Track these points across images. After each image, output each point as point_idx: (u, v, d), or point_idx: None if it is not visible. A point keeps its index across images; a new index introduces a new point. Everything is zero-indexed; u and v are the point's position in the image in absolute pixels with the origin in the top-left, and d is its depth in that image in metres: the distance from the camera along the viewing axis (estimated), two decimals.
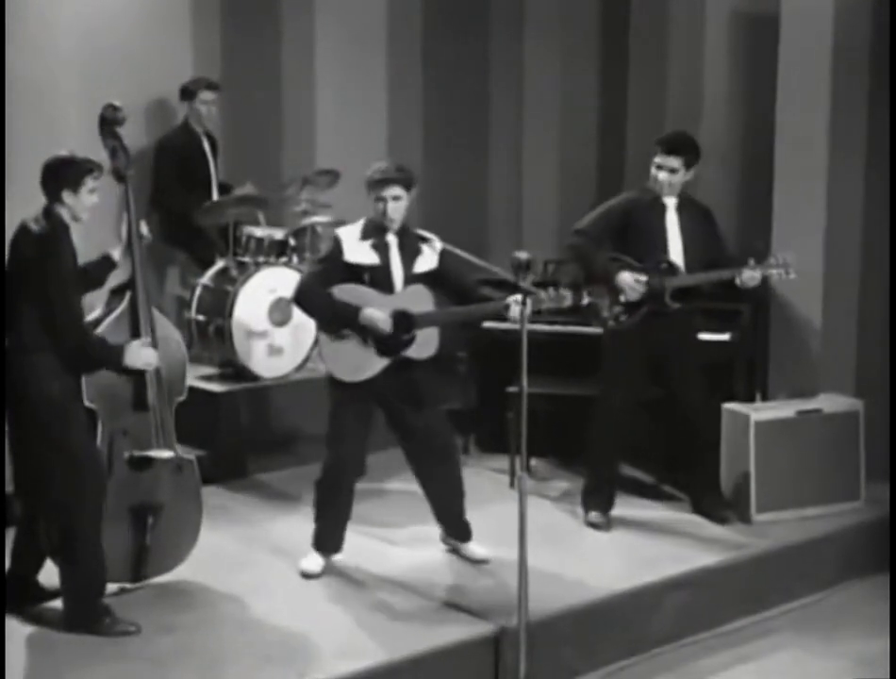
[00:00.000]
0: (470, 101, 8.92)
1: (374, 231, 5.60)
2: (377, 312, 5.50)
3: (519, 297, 5.22)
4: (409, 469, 5.89)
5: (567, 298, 5.55)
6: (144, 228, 5.41)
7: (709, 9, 7.88)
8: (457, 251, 5.58)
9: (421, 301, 5.62)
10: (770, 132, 7.19)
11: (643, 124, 8.26)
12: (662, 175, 6.27)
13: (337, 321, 5.55)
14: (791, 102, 7.05)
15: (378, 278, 5.58)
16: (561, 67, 8.69)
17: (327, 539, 5.79)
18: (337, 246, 5.60)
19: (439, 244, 5.67)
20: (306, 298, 5.61)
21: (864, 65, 6.96)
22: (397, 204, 5.56)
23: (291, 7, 8.29)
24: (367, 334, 5.53)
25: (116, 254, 5.33)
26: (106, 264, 5.33)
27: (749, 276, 6.26)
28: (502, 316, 5.54)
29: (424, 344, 5.64)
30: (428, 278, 5.68)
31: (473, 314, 5.71)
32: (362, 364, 5.58)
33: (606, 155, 8.71)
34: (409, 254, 5.64)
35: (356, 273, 5.57)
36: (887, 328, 6.81)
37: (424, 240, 5.67)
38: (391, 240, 5.61)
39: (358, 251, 5.58)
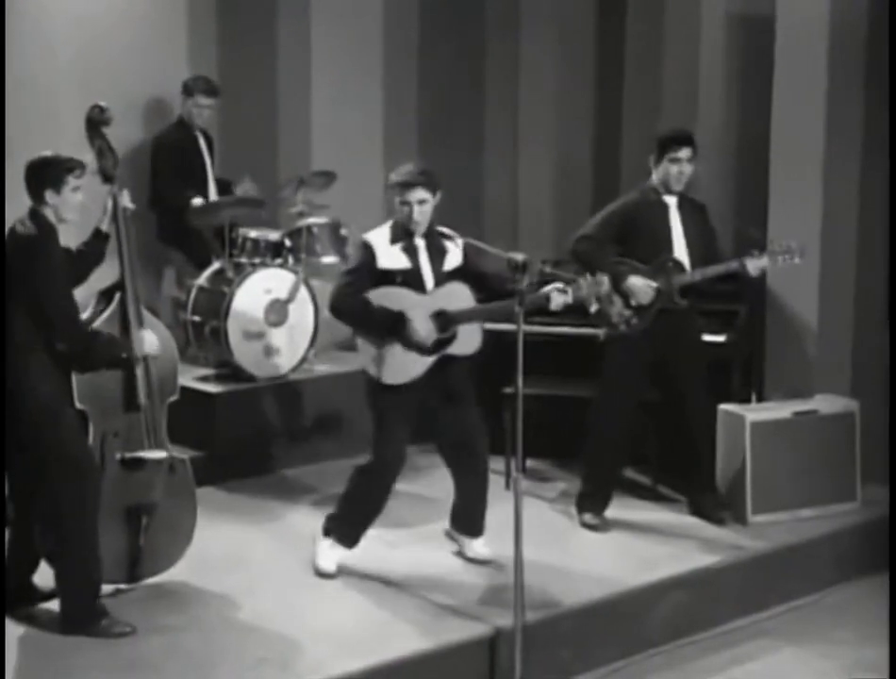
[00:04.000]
0: (465, 101, 8.92)
1: (402, 234, 5.61)
2: (421, 331, 5.52)
3: (560, 285, 5.31)
4: (445, 466, 5.89)
5: (604, 283, 5.53)
6: (127, 198, 5.37)
7: (705, 8, 7.89)
8: (479, 244, 5.60)
9: (458, 298, 5.64)
10: (765, 130, 7.19)
11: (639, 123, 8.26)
12: (683, 168, 6.28)
13: (378, 328, 5.55)
14: (787, 100, 7.05)
15: (410, 281, 5.59)
16: (557, 66, 8.69)
17: (348, 532, 5.75)
18: (369, 253, 5.59)
19: (461, 240, 5.72)
20: (344, 308, 5.61)
21: (860, 62, 6.96)
22: (423, 207, 5.56)
23: (288, 7, 8.29)
24: (409, 339, 5.54)
25: (104, 225, 5.32)
26: (99, 238, 5.32)
27: (754, 266, 6.26)
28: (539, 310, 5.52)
29: (467, 340, 5.66)
30: (457, 275, 5.69)
31: (511, 308, 5.51)
32: (407, 365, 5.58)
33: (602, 153, 8.70)
34: (437, 254, 5.66)
35: (388, 278, 5.58)
36: (883, 329, 6.80)
37: (448, 237, 5.70)
38: (419, 242, 5.63)
39: (390, 256, 5.59)
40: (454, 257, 5.70)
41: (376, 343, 5.57)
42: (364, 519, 5.76)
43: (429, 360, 5.60)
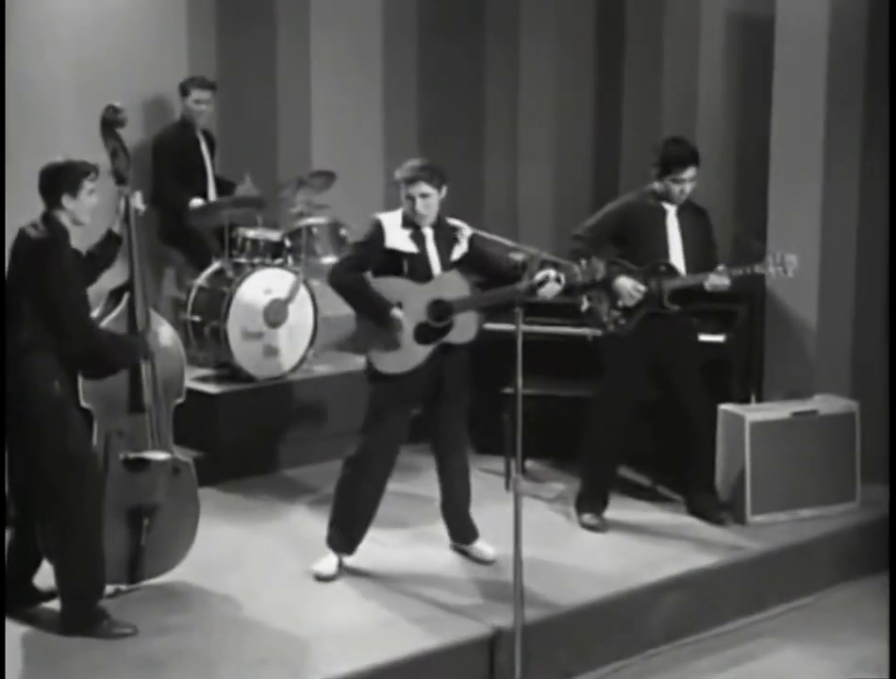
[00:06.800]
0: (465, 101, 8.93)
1: (411, 222, 5.67)
2: (405, 325, 5.55)
3: (552, 272, 5.35)
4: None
5: (599, 270, 5.57)
6: (139, 200, 5.38)
7: (705, 12, 7.89)
8: (486, 234, 5.67)
9: (455, 287, 5.68)
10: (765, 134, 7.19)
11: (639, 124, 8.28)
12: (685, 187, 6.26)
13: (369, 314, 5.60)
14: (787, 104, 7.05)
15: (416, 266, 5.64)
16: (557, 66, 8.70)
17: (341, 538, 5.76)
18: (379, 230, 5.66)
19: (468, 231, 5.77)
20: (343, 282, 5.67)
21: (860, 67, 6.96)
22: (426, 201, 5.62)
23: (287, 7, 8.29)
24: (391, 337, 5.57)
25: (116, 227, 5.33)
26: (111, 240, 5.32)
27: (711, 283, 6.20)
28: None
29: (463, 328, 5.69)
30: (462, 263, 5.74)
31: (507, 295, 5.56)
32: (405, 355, 5.61)
33: (602, 154, 8.71)
34: (445, 243, 5.71)
35: (395, 259, 5.64)
36: (882, 329, 6.81)
37: (457, 228, 5.75)
38: (427, 232, 5.68)
39: (399, 238, 5.65)
40: (461, 247, 5.75)
41: (374, 330, 5.61)
42: (356, 518, 5.75)
43: (427, 350, 5.63)
